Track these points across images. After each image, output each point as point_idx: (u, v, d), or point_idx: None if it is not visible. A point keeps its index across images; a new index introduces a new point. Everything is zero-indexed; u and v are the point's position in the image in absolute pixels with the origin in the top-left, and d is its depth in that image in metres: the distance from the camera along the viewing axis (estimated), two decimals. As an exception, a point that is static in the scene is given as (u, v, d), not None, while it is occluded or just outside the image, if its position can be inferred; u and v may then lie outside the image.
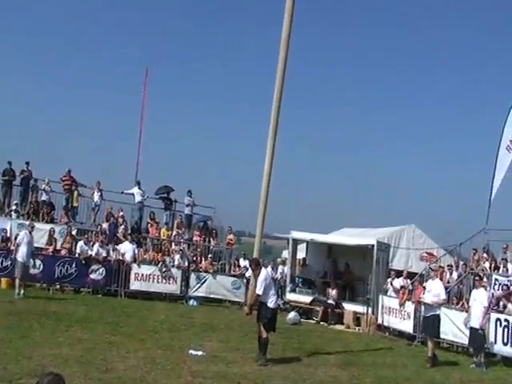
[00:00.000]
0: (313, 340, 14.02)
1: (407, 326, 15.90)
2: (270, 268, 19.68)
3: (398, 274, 18.50)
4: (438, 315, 12.16)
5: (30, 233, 16.15)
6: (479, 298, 12.44)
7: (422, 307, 13.01)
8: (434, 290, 12.21)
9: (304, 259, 21.52)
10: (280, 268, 21.56)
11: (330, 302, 18.41)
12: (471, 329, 12.42)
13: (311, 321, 18.29)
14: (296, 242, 21.34)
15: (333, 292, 18.55)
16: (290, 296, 19.80)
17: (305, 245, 22.14)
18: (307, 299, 19.18)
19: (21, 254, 15.53)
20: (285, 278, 20.68)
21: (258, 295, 10.33)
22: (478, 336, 12.30)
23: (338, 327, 17.61)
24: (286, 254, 23.75)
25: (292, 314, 17.15)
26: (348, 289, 19.46)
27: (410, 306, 15.88)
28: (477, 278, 13.68)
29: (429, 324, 12.18)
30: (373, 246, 18.14)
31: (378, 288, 17.94)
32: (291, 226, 22.75)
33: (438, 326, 12.11)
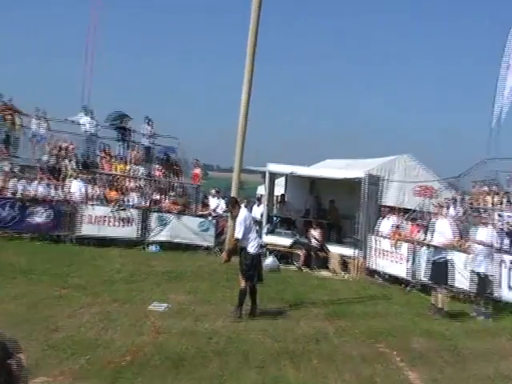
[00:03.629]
0: (294, 288, 14.13)
1: (401, 270, 16.09)
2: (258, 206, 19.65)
3: (390, 210, 18.57)
4: (447, 260, 12.07)
5: None
6: (480, 238, 12.49)
7: (431, 250, 12.74)
8: (441, 231, 12.08)
9: (283, 195, 21.48)
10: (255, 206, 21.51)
11: (312, 244, 18.51)
12: (472, 272, 12.54)
13: (292, 266, 18.42)
14: (273, 176, 21.18)
15: (316, 233, 18.61)
16: (266, 238, 19.71)
17: (283, 179, 22.07)
18: (287, 242, 19.21)
19: None
20: (260, 219, 20.66)
21: (238, 239, 10.31)
22: (479, 280, 12.43)
23: (323, 273, 17.77)
24: (261, 190, 23.71)
25: (270, 260, 17.21)
26: (333, 229, 19.56)
27: (403, 248, 16.04)
28: (475, 214, 13.66)
29: (437, 270, 12.04)
30: (361, 179, 18.05)
31: (368, 227, 18.01)
32: (268, 158, 22.57)
33: (446, 272, 12.03)
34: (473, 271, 12.59)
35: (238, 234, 10.22)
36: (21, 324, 8.29)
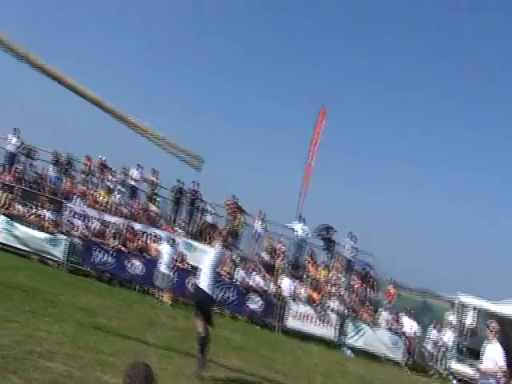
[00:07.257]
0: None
1: None
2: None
3: None
4: None
5: (171, 245, 17.80)
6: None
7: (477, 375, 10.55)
8: (490, 355, 9.82)
9: (474, 329, 19.79)
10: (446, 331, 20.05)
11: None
12: None
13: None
14: (463, 305, 19.73)
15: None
16: (455, 366, 18.23)
17: (472, 310, 20.42)
18: (472, 372, 17.49)
19: (162, 265, 17.08)
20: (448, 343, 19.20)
21: None
22: None
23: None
24: (449, 315, 22.13)
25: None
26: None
27: None
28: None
29: None
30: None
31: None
32: (453, 282, 21.08)
33: None
34: None
35: None
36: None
